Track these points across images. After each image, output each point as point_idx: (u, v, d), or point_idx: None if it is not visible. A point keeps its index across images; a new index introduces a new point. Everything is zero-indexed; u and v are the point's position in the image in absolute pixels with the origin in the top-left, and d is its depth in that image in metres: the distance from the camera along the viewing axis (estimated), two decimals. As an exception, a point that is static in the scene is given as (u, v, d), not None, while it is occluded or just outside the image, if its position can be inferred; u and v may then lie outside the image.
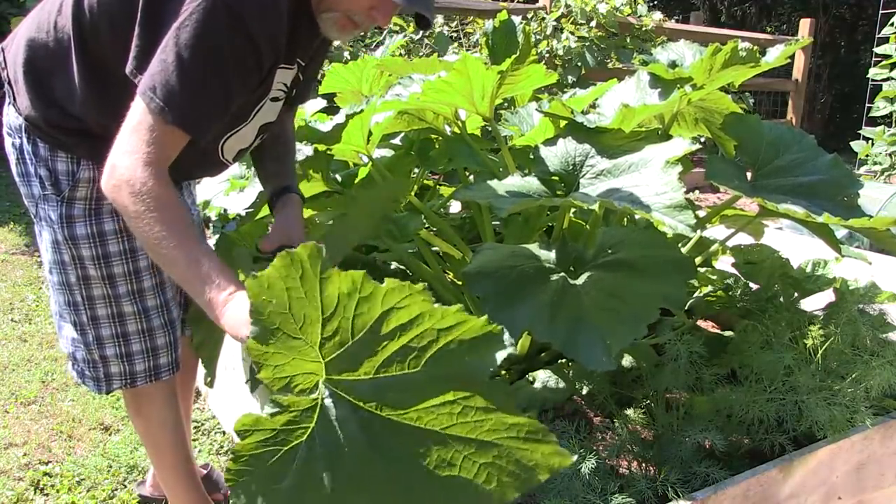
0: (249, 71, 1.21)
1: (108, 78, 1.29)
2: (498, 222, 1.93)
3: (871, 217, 1.38)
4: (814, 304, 1.65)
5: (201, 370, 1.77)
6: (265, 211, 1.60)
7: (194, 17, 1.12)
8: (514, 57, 1.59)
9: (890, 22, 5.33)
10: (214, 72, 1.16)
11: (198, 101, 1.16)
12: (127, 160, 1.14)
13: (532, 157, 1.54)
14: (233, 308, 1.07)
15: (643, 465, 1.29)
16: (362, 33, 2.22)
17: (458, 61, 1.52)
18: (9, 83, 1.39)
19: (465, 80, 1.58)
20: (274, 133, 1.52)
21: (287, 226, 1.46)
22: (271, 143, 1.54)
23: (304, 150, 1.94)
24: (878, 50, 5.39)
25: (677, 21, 8.71)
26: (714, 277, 1.77)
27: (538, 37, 5.65)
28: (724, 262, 1.88)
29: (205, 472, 1.92)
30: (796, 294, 1.66)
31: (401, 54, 4.78)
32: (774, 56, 1.63)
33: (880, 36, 5.47)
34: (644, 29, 6.24)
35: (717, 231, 2.01)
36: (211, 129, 1.21)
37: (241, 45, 1.16)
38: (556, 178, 1.48)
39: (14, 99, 1.37)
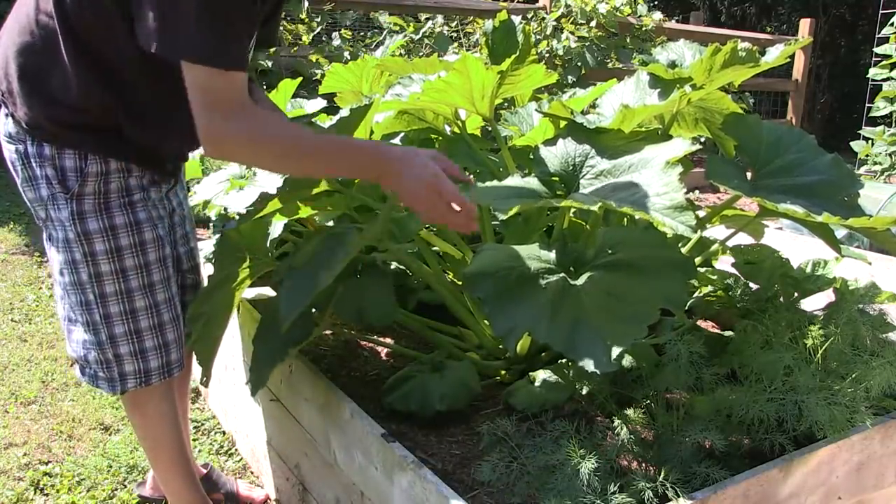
0: (253, 6, 1.26)
1: (100, 61, 1.30)
2: (498, 222, 1.93)
3: (870, 217, 1.38)
4: (814, 304, 1.65)
5: (197, 370, 1.77)
6: (266, 210, 1.60)
7: None
8: (513, 57, 1.59)
9: (890, 22, 5.33)
10: (229, 10, 1.19)
11: (229, 40, 1.19)
12: (214, 129, 1.22)
13: (532, 157, 1.54)
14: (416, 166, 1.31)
15: (643, 464, 1.29)
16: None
17: (458, 61, 1.52)
18: (2, 95, 1.39)
19: (464, 80, 1.58)
20: None
21: None
22: None
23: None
24: (878, 50, 5.39)
25: (677, 21, 8.72)
26: (714, 277, 1.76)
27: (538, 37, 5.66)
28: (724, 262, 1.88)
29: (205, 471, 1.92)
30: (796, 294, 1.65)
31: (401, 54, 4.78)
32: (774, 56, 1.62)
33: (880, 36, 5.47)
34: (644, 29, 6.25)
35: (717, 231, 2.01)
36: (247, 56, 1.28)
37: None
38: (556, 178, 1.48)
39: (14, 110, 1.37)
